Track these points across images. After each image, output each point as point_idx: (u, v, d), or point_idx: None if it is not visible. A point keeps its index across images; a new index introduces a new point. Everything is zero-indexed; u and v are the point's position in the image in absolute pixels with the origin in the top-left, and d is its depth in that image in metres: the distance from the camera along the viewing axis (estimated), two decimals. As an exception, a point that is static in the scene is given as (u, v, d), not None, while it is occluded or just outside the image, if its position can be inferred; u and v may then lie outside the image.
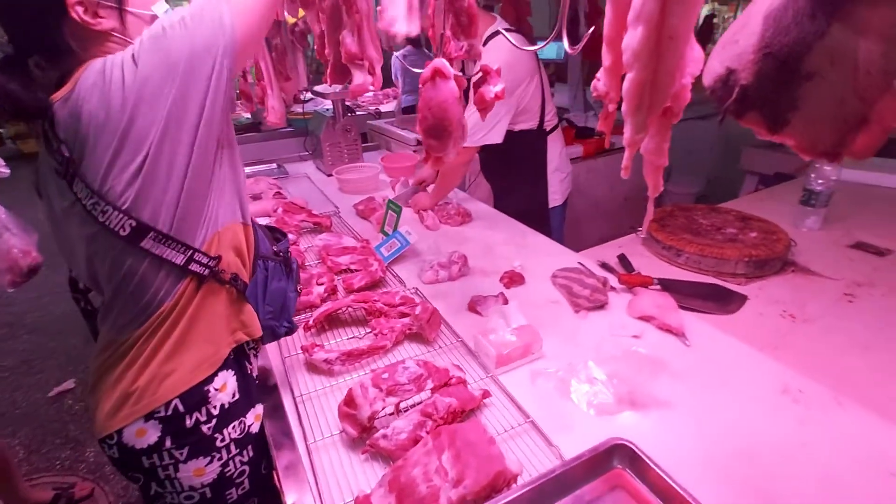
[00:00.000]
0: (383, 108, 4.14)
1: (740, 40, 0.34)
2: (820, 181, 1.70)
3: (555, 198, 1.93)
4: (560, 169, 1.93)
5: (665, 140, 0.54)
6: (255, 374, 0.92)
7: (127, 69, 0.64)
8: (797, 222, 1.76)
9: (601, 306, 1.27)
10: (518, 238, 1.72)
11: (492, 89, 0.91)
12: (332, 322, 1.23)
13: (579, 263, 1.47)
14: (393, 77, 4.67)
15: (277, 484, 0.80)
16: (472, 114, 1.68)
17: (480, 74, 0.93)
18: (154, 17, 0.75)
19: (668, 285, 1.32)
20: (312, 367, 1.07)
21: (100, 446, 0.80)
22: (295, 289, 1.01)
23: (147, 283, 0.72)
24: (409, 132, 2.86)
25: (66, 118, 0.66)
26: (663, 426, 0.91)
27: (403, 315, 1.18)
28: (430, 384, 0.90)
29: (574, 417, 0.92)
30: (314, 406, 0.96)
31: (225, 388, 0.82)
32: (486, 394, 0.93)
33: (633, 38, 0.44)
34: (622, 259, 1.50)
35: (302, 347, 1.07)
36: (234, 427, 0.84)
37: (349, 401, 0.86)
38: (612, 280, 1.38)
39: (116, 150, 0.65)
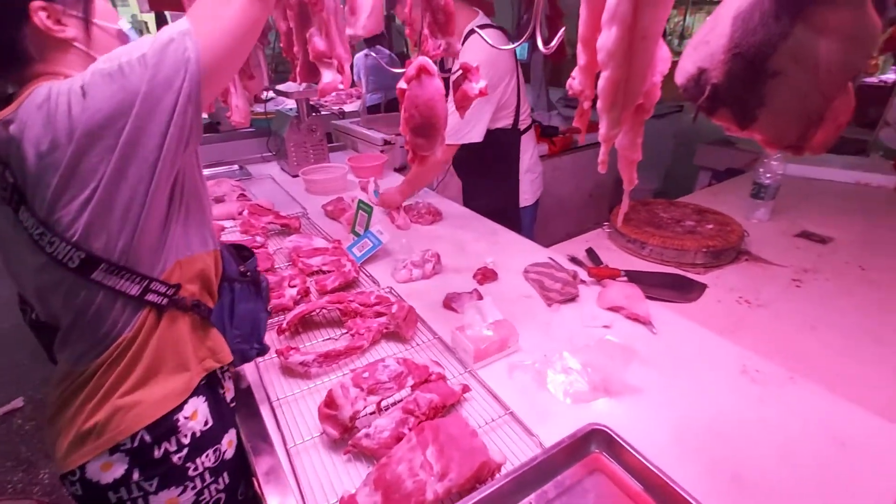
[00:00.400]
0: (347, 108, 4.09)
1: (711, 41, 0.36)
2: (768, 175, 1.81)
3: (526, 197, 1.95)
4: (531, 169, 1.95)
5: (638, 135, 0.57)
6: (229, 396, 0.89)
7: (74, 99, 0.60)
8: (748, 214, 1.87)
9: (572, 299, 1.31)
10: (489, 235, 1.74)
11: (474, 86, 0.92)
12: (306, 325, 1.21)
13: (549, 258, 1.51)
14: (355, 77, 4.62)
15: (258, 491, 0.78)
16: (452, 112, 1.69)
17: (460, 72, 0.93)
18: (120, 32, 0.73)
19: (634, 276, 1.37)
20: (288, 371, 1.05)
21: (61, 483, 0.76)
22: (265, 308, 0.98)
23: (104, 313, 0.69)
24: (375, 132, 2.83)
25: (6, 140, 0.62)
26: (636, 410, 0.95)
27: (379, 314, 1.18)
28: (410, 381, 0.91)
29: (551, 407, 0.95)
30: (292, 410, 0.95)
31: (196, 415, 0.78)
32: (465, 388, 0.95)
33: (607, 38, 0.46)
34: (590, 253, 1.55)
35: (277, 351, 1.04)
36: (207, 456, 0.80)
37: (329, 402, 0.86)
38: (582, 273, 1.42)
39: (63, 181, 0.62)
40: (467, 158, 2.05)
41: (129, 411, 0.72)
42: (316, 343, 1.14)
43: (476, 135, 1.72)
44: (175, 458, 0.75)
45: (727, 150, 3.05)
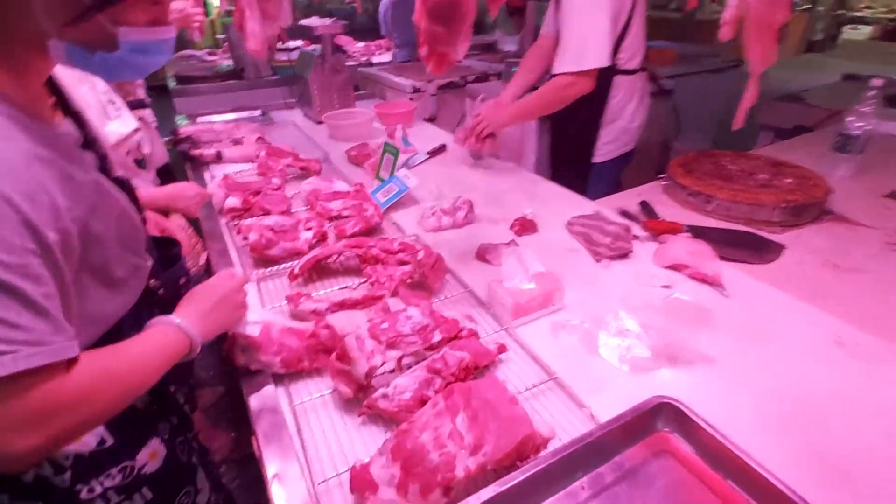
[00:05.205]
0: (374, 60, 3.88)
1: None
2: (858, 124, 1.55)
3: (601, 152, 1.71)
4: (618, 119, 1.67)
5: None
6: (143, 404, 0.71)
7: None
8: (829, 170, 1.61)
9: (625, 255, 1.13)
10: (528, 185, 1.56)
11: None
12: (321, 272, 1.08)
13: (596, 212, 1.33)
14: (381, 28, 4.35)
15: (257, 452, 0.67)
16: (571, 32, 1.45)
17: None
18: None
19: (698, 233, 1.18)
20: (298, 319, 0.93)
21: None
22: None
23: None
24: (404, 79, 2.64)
25: None
26: (708, 384, 0.79)
27: (403, 263, 1.04)
28: (437, 336, 0.77)
29: (604, 374, 0.80)
30: (302, 363, 0.83)
31: (80, 437, 0.62)
32: (502, 348, 0.80)
33: None
34: (644, 206, 1.35)
35: (287, 297, 0.92)
36: (109, 476, 0.65)
37: (342, 355, 0.73)
38: (635, 228, 1.24)
39: None
40: None
41: None
42: (331, 291, 1.01)
43: (604, 56, 1.45)
44: (56, 481, 0.61)
45: (797, 106, 2.72)
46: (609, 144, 1.69)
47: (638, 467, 0.63)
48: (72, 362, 0.50)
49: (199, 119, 2.31)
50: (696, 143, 3.70)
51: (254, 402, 0.74)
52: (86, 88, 1.02)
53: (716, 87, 3.81)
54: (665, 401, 0.67)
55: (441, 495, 0.55)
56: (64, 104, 0.64)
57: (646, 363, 0.80)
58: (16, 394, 0.46)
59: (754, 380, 0.79)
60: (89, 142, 0.64)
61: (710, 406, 0.72)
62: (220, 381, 1.79)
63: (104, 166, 0.65)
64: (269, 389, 0.76)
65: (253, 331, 0.77)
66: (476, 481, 0.58)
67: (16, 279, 0.44)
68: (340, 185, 1.39)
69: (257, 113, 2.40)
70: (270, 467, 0.63)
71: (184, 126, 2.01)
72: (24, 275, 0.44)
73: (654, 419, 0.67)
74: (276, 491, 0.60)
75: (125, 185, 0.67)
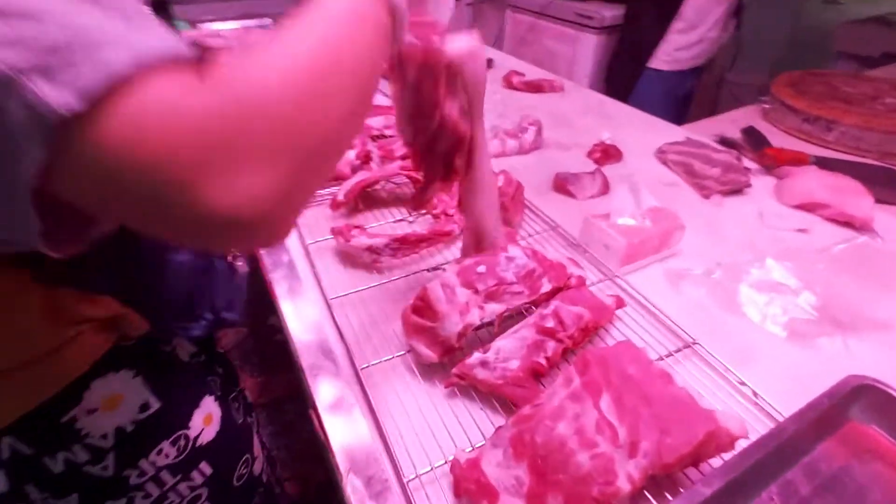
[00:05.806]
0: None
1: None
2: None
3: (660, 60, 1.47)
4: (700, 25, 1.44)
5: None
6: (186, 352, 0.55)
7: None
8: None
9: (738, 190, 0.92)
10: (595, 106, 1.32)
11: None
12: (368, 201, 0.88)
13: (688, 139, 1.10)
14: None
15: (319, 430, 0.51)
16: None
17: None
18: None
19: (825, 165, 0.97)
20: (348, 259, 0.74)
21: None
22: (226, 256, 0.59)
23: None
24: (435, -16, 2.28)
25: None
26: (886, 356, 0.61)
27: (470, 192, 0.84)
28: (546, 285, 0.58)
29: (751, 340, 0.62)
30: (358, 315, 0.65)
31: (118, 402, 0.47)
32: (620, 301, 0.62)
33: None
34: (750, 133, 1.12)
35: (333, 230, 0.73)
36: (161, 453, 0.50)
37: (422, 307, 0.55)
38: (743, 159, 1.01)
39: None
40: None
41: None
42: (383, 224, 0.82)
43: None
44: (96, 470, 0.47)
45: (885, 30, 2.37)
46: (682, 51, 1.45)
47: (839, 473, 0.46)
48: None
49: (201, 26, 2.01)
50: (755, 77, 3.33)
51: (308, 364, 0.57)
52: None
53: (777, 11, 3.37)
54: (867, 382, 0.49)
55: (598, 515, 0.39)
56: None
57: (809, 328, 0.61)
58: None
59: (944, 352, 0.62)
60: None
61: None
62: (242, 321, 1.65)
63: None
64: (325, 343, 0.59)
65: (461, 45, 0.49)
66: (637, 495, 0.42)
67: None
68: (382, 100, 1.15)
69: (267, 21, 2.09)
70: (342, 456, 0.47)
71: (187, 31, 1.73)
72: None
73: (845, 407, 0.50)
74: (354, 490, 0.44)
75: None
